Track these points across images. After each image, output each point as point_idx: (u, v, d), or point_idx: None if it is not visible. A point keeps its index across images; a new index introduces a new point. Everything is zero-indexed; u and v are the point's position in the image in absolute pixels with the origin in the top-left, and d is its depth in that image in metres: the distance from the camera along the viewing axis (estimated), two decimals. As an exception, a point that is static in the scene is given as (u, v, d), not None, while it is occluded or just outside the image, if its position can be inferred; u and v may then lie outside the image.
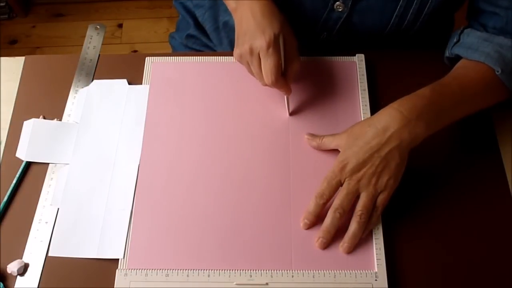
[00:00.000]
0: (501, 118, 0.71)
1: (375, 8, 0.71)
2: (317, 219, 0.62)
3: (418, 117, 0.61)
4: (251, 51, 0.64)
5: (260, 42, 0.63)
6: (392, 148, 0.61)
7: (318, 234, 0.61)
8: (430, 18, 0.72)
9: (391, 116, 0.62)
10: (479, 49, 0.66)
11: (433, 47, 0.75)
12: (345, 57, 0.76)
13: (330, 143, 0.66)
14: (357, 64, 0.75)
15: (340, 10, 0.72)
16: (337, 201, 0.61)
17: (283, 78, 0.65)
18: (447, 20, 0.85)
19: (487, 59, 0.65)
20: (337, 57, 0.76)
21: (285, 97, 0.69)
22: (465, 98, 0.65)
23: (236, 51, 0.67)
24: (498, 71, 0.64)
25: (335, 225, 0.61)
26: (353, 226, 0.61)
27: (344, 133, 0.65)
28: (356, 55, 0.76)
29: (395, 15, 0.71)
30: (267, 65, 0.63)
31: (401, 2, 0.69)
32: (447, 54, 0.72)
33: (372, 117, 0.64)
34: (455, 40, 0.70)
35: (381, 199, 0.61)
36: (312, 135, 0.68)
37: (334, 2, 0.72)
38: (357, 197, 0.62)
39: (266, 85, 0.66)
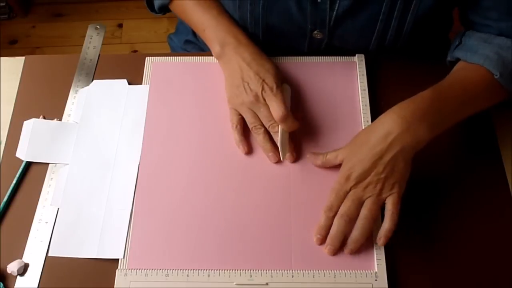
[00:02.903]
0: (501, 118, 0.71)
1: (353, 33, 0.71)
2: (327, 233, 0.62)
3: (420, 120, 0.60)
4: (257, 98, 0.66)
5: (266, 88, 0.66)
6: (395, 154, 0.60)
7: (326, 242, 0.61)
8: (411, 37, 0.71)
9: (393, 120, 0.61)
10: (478, 51, 0.66)
11: (432, 47, 0.75)
12: (345, 57, 0.76)
13: (335, 158, 0.64)
14: (357, 64, 0.75)
15: (319, 37, 0.73)
16: (343, 207, 0.61)
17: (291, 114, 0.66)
18: (442, 24, 0.84)
19: (486, 62, 0.65)
20: (337, 57, 0.76)
21: (280, 130, 0.67)
22: (467, 100, 0.65)
23: (236, 100, 0.68)
24: (496, 75, 0.64)
25: (341, 231, 0.60)
26: (355, 231, 0.60)
27: (347, 145, 0.64)
28: (356, 55, 0.76)
29: (374, 37, 0.71)
30: (277, 101, 0.65)
31: (378, 26, 0.69)
32: (449, 58, 0.71)
33: (375, 123, 0.63)
34: (457, 43, 0.70)
35: (390, 203, 0.60)
36: (315, 154, 0.67)
37: (312, 32, 0.72)
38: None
39: (273, 157, 0.67)
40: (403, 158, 0.60)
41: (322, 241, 0.62)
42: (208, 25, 0.73)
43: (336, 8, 0.67)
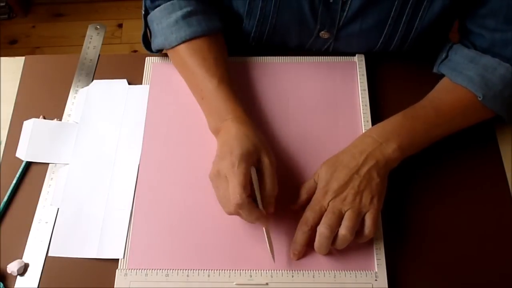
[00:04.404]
0: (501, 119, 0.71)
1: (360, 35, 0.71)
2: (305, 249, 0.61)
3: (388, 140, 0.63)
4: (218, 173, 0.59)
5: (226, 162, 0.59)
6: (370, 168, 0.61)
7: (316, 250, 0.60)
8: (416, 43, 0.72)
9: (364, 142, 0.63)
10: (463, 72, 0.67)
11: (433, 47, 0.75)
12: (345, 57, 0.76)
13: (314, 182, 0.63)
14: (357, 64, 0.75)
15: (326, 37, 0.73)
16: (324, 219, 0.59)
17: (251, 203, 0.58)
18: (444, 28, 0.83)
19: (469, 85, 0.66)
20: (337, 57, 0.76)
21: (264, 229, 0.60)
22: (441, 122, 0.66)
23: (210, 173, 0.61)
24: (480, 97, 0.65)
25: (323, 244, 0.59)
26: (337, 243, 0.59)
27: (321, 166, 0.63)
28: (356, 55, 0.76)
29: (380, 41, 0.71)
30: (231, 184, 0.57)
31: (385, 30, 0.69)
32: (435, 70, 0.72)
33: (348, 146, 0.64)
34: (443, 56, 0.70)
35: (369, 218, 0.60)
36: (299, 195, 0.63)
37: (319, 31, 0.72)
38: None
39: (231, 213, 0.59)
40: (377, 173, 0.61)
41: (299, 256, 0.61)
42: (208, 95, 0.67)
43: (346, 9, 0.68)
